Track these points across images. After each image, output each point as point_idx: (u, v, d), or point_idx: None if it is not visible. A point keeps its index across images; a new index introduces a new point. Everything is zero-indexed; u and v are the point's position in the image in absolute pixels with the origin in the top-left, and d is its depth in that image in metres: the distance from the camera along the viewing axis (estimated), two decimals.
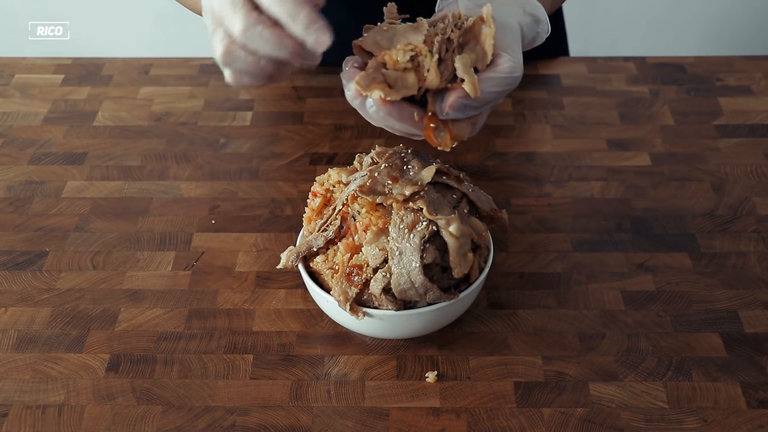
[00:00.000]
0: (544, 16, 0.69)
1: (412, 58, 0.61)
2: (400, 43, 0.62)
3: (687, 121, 1.01)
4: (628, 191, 0.91)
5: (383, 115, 0.61)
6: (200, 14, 0.77)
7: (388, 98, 0.60)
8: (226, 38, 0.59)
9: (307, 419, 0.70)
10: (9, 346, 0.76)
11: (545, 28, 0.70)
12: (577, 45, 1.30)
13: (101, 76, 1.11)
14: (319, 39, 0.59)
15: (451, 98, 0.61)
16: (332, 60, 1.11)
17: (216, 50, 0.60)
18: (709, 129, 1.00)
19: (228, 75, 0.61)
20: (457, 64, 0.60)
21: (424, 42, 0.61)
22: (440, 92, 0.62)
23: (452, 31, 0.62)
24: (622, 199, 0.90)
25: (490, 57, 0.61)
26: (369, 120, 0.64)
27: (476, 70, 0.61)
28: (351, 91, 0.62)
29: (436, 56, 0.60)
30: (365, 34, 0.64)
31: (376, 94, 0.60)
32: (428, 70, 0.60)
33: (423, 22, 0.63)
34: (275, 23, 0.58)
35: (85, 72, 1.12)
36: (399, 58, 0.61)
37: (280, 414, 0.70)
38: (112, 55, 1.16)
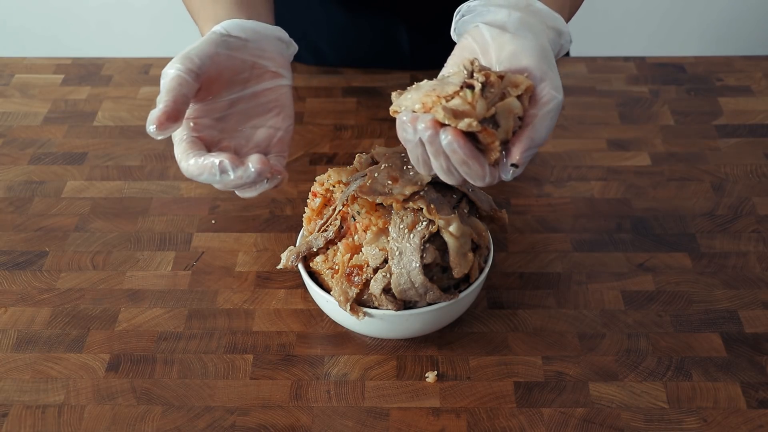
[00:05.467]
0: (566, 27, 0.68)
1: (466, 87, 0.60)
2: (443, 90, 0.60)
3: (687, 121, 1.01)
4: (628, 191, 0.91)
5: (457, 147, 0.59)
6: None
7: (470, 128, 0.58)
8: None
9: (307, 419, 0.70)
10: (9, 346, 0.76)
11: (568, 39, 0.68)
12: (577, 45, 1.30)
13: (101, 76, 1.11)
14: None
15: (521, 147, 0.61)
16: (331, 61, 1.12)
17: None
18: (709, 129, 1.00)
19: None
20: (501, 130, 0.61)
21: (462, 85, 0.60)
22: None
23: (483, 73, 0.61)
24: (622, 199, 0.90)
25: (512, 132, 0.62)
26: (420, 165, 0.63)
27: None
28: (425, 123, 0.59)
29: (479, 85, 0.60)
30: (396, 99, 0.63)
31: (465, 123, 0.58)
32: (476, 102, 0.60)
33: (454, 71, 0.63)
34: None
35: (85, 72, 1.12)
36: (468, 95, 0.60)
37: (280, 414, 0.70)
38: (112, 55, 1.16)
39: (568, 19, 0.72)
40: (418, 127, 0.60)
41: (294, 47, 0.75)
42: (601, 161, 0.95)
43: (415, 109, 0.61)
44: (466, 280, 0.72)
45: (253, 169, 0.64)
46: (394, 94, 0.64)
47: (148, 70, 1.12)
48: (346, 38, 1.08)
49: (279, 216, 0.89)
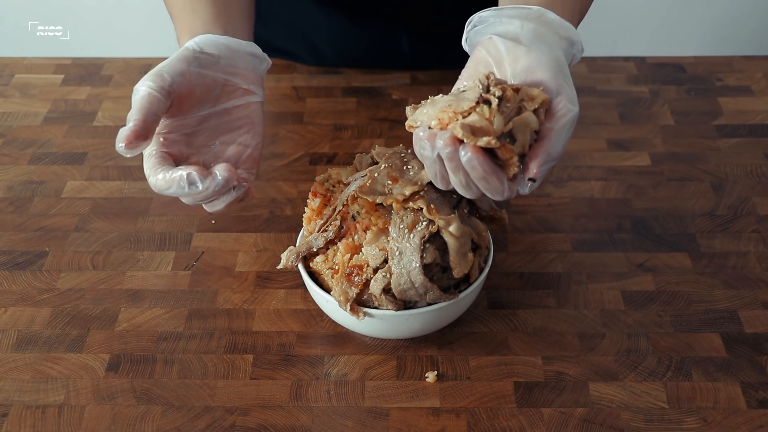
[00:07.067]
0: (578, 37, 0.68)
1: (482, 101, 0.60)
2: (460, 106, 0.60)
3: (687, 121, 1.01)
4: (628, 191, 0.91)
5: (476, 164, 0.59)
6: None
7: (489, 145, 0.58)
8: None
9: (307, 419, 0.70)
10: (9, 346, 0.76)
11: (580, 48, 0.68)
12: None
13: (101, 76, 1.11)
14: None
15: (538, 162, 0.61)
16: (331, 61, 1.12)
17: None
18: (709, 129, 1.00)
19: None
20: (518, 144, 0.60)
21: (479, 101, 0.60)
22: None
23: (501, 88, 0.61)
24: (622, 199, 0.90)
25: (528, 146, 0.61)
26: (439, 181, 0.63)
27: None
28: (444, 140, 0.59)
29: (496, 101, 0.59)
30: (411, 114, 0.63)
31: (484, 141, 0.58)
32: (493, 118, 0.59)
33: (469, 85, 0.63)
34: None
35: (85, 72, 1.12)
36: (484, 111, 0.59)
37: (280, 414, 0.70)
38: (112, 55, 1.16)
39: (576, 26, 0.72)
40: (437, 144, 0.60)
41: (267, 62, 0.76)
42: (601, 161, 0.95)
43: (432, 125, 0.61)
44: (466, 280, 0.72)
45: (220, 177, 0.64)
46: (408, 109, 0.64)
47: (148, 70, 1.11)
48: (346, 39, 1.08)
49: (279, 216, 0.90)
